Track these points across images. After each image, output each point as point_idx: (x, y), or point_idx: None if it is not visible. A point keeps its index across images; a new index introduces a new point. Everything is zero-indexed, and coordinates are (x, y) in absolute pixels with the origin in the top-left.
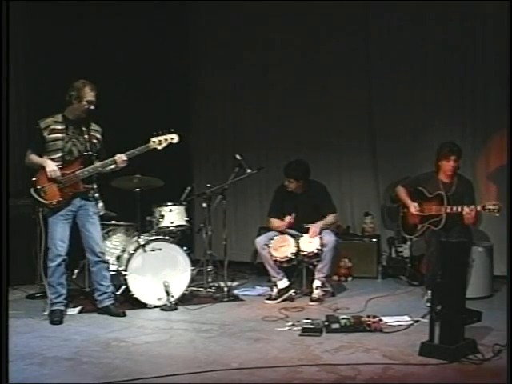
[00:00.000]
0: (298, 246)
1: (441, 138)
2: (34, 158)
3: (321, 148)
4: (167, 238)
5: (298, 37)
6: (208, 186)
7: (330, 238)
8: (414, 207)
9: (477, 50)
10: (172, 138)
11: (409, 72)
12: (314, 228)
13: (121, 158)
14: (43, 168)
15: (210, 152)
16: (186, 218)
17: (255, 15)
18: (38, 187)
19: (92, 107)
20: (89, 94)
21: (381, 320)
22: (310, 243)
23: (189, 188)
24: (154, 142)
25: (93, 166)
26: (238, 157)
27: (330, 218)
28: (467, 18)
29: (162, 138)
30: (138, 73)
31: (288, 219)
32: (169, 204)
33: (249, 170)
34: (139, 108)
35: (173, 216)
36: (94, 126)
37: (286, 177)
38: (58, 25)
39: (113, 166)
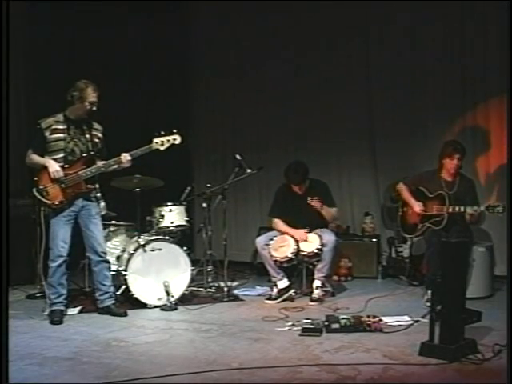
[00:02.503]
0: (297, 246)
1: (441, 138)
2: (36, 157)
3: (321, 148)
4: (167, 238)
5: (298, 37)
6: (208, 185)
7: (329, 237)
8: (418, 206)
9: (477, 50)
10: (174, 139)
11: (409, 72)
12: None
13: (126, 157)
14: (45, 168)
15: (209, 152)
16: (186, 218)
17: (255, 16)
18: (41, 187)
19: (94, 108)
20: (91, 95)
21: (381, 320)
22: (309, 243)
23: (189, 188)
24: (156, 142)
25: (95, 166)
26: (238, 157)
27: (333, 210)
28: (467, 18)
29: (164, 138)
30: (137, 73)
31: (296, 231)
32: (169, 204)
33: (249, 170)
34: (139, 108)
35: (173, 216)
36: (95, 125)
37: (289, 182)
38: (57, 25)
39: (115, 166)
